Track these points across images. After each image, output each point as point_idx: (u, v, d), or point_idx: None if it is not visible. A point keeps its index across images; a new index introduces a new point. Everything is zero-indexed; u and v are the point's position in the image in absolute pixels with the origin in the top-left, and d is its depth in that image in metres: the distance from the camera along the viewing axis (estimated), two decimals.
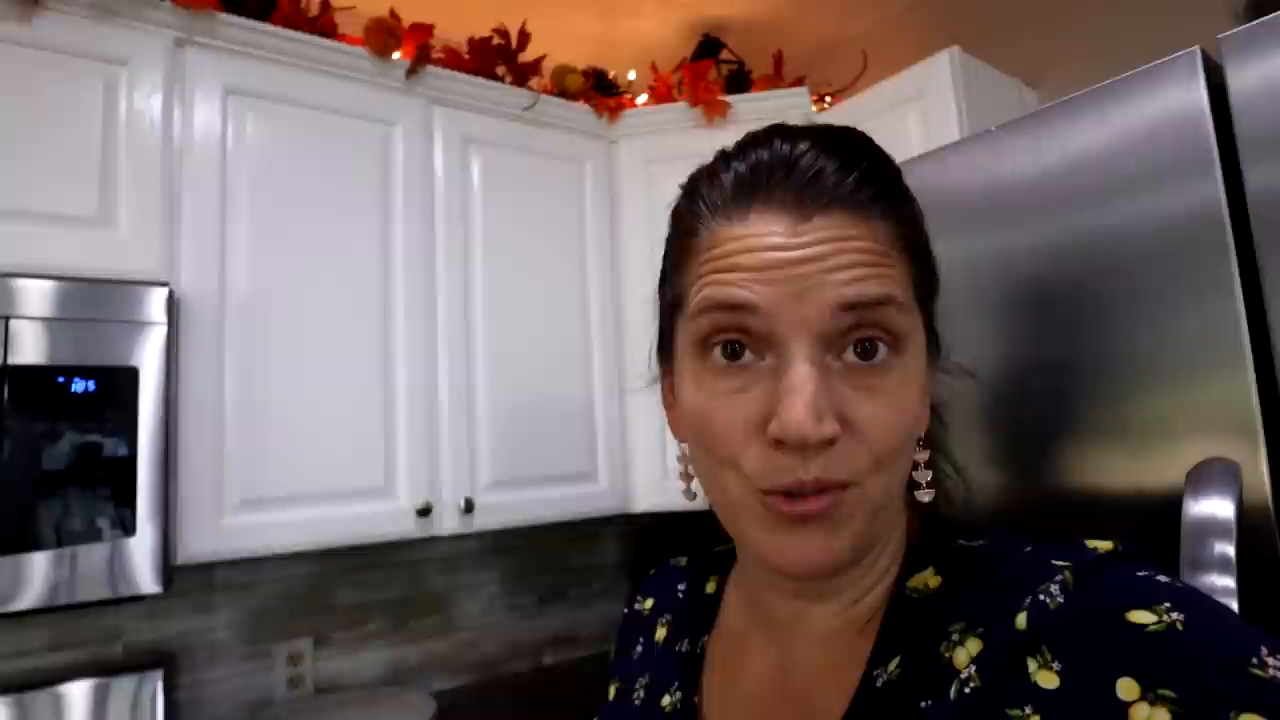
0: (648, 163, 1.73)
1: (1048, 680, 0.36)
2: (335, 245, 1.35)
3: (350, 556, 1.61)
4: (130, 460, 1.08)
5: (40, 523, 1.01)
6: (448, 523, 1.40)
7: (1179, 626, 0.34)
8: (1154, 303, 0.72)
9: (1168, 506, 0.68)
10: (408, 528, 1.36)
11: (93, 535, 1.03)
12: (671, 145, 1.73)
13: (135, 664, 1.36)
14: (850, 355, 0.40)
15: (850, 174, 0.41)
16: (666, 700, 0.55)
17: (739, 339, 0.41)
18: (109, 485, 1.06)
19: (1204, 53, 0.71)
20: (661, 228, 0.49)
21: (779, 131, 0.44)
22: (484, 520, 1.43)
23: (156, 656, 1.39)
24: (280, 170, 1.32)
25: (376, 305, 1.38)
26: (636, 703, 0.58)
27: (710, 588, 0.60)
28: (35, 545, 1.01)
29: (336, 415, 1.31)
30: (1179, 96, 0.71)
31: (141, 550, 1.06)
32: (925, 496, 0.46)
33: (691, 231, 0.45)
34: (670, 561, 0.67)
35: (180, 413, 1.18)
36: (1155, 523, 0.70)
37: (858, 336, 0.40)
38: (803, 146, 0.42)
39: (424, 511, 1.36)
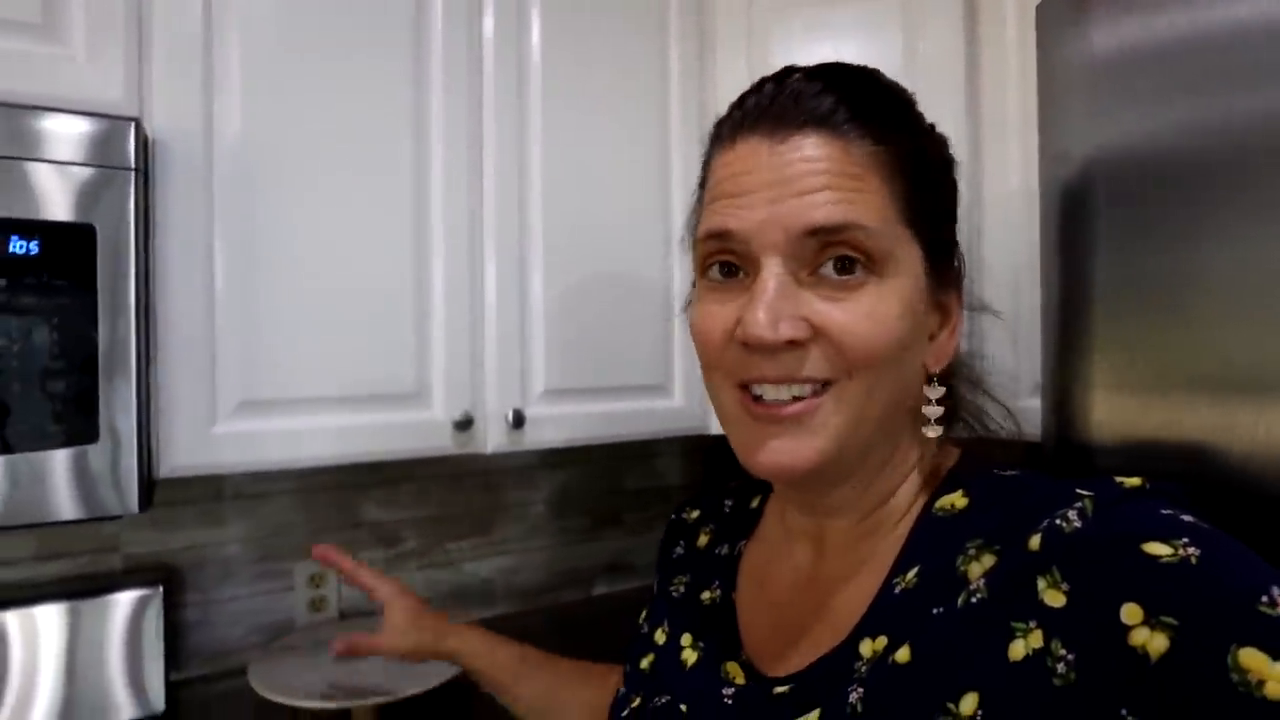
0: (750, 5, 1.36)
1: (1054, 599, 0.38)
2: (359, 82, 1.05)
3: (379, 468, 1.39)
4: (87, 346, 0.83)
5: None
6: (492, 439, 1.15)
7: (1193, 560, 0.34)
8: None
9: None
10: (442, 443, 1.11)
11: (39, 442, 0.80)
12: None
13: (135, 578, 1.18)
14: (828, 269, 0.46)
15: (828, 97, 0.46)
16: (706, 595, 0.63)
17: (730, 260, 0.50)
18: (61, 379, 0.82)
19: None
20: None
21: (780, 72, 0.50)
22: (535, 437, 1.18)
23: (160, 572, 1.21)
24: None
25: (408, 165, 1.08)
26: (676, 596, 0.66)
27: (754, 503, 0.68)
28: None
29: (357, 301, 1.05)
30: None
31: (102, 461, 0.83)
32: (931, 432, 0.51)
33: (705, 169, 0.55)
34: (725, 485, 0.75)
35: (157, 290, 0.92)
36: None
37: (833, 254, 0.46)
38: (794, 79, 0.49)
39: (463, 425, 1.11)
